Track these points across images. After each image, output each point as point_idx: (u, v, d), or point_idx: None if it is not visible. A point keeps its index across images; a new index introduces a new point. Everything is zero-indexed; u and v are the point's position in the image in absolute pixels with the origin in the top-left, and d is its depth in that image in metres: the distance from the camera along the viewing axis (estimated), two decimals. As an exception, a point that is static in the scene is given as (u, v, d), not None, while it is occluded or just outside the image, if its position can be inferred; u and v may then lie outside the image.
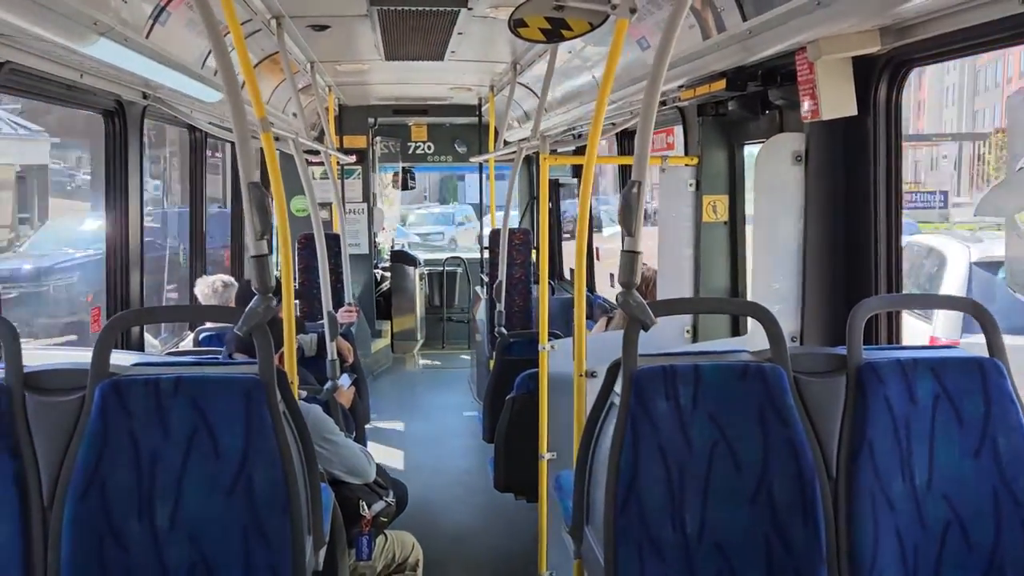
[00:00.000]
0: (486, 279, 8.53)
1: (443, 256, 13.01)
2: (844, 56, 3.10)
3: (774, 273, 3.65)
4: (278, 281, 3.20)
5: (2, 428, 2.38)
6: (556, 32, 3.86)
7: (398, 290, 11.59)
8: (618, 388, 2.65)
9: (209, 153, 6.98)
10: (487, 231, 8.87)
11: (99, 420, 2.40)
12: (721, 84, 3.81)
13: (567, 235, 11.07)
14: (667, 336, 4.30)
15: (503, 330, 6.40)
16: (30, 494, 2.39)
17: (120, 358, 2.60)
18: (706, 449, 2.57)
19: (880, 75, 3.20)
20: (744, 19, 3.31)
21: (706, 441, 2.57)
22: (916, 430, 2.58)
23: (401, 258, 11.85)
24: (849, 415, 2.62)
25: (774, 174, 3.60)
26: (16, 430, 2.40)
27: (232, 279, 5.82)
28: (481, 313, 8.38)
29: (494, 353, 6.37)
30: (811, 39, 3.04)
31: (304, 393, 4.34)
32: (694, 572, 2.55)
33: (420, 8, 4.97)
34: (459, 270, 12.29)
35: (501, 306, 6.60)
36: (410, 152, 11.51)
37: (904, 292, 3.40)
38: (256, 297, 2.50)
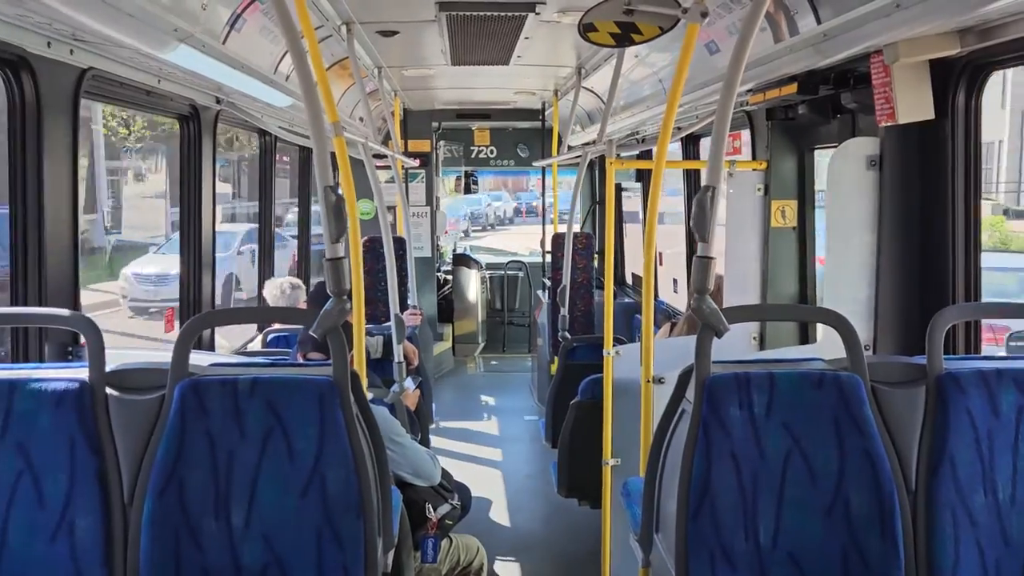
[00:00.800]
0: (548, 283, 8.54)
1: (504, 260, 13.04)
2: (922, 59, 3.04)
3: (847, 280, 3.59)
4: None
5: (85, 425, 2.44)
6: (626, 36, 3.85)
7: (460, 293, 11.66)
8: (690, 395, 2.63)
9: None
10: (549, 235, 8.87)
11: (178, 419, 2.44)
12: (792, 88, 3.76)
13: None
14: (734, 343, 4.25)
15: (567, 334, 6.40)
16: (111, 490, 2.45)
17: (197, 358, 2.66)
18: (780, 458, 2.54)
19: (959, 78, 3.13)
20: (819, 22, 3.26)
21: (780, 450, 2.54)
22: (999, 443, 2.51)
23: (463, 261, 11.91)
24: (929, 427, 2.56)
25: (848, 179, 3.54)
26: (98, 427, 2.46)
27: (299, 281, 5.91)
28: (543, 317, 8.38)
29: (557, 357, 6.37)
30: (888, 42, 2.98)
31: (371, 395, 4.38)
32: None
33: (488, 14, 4.99)
34: (520, 274, 12.32)
35: (565, 310, 6.60)
36: (473, 156, 11.58)
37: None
38: (331, 299, 2.53)
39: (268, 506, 2.45)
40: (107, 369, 2.51)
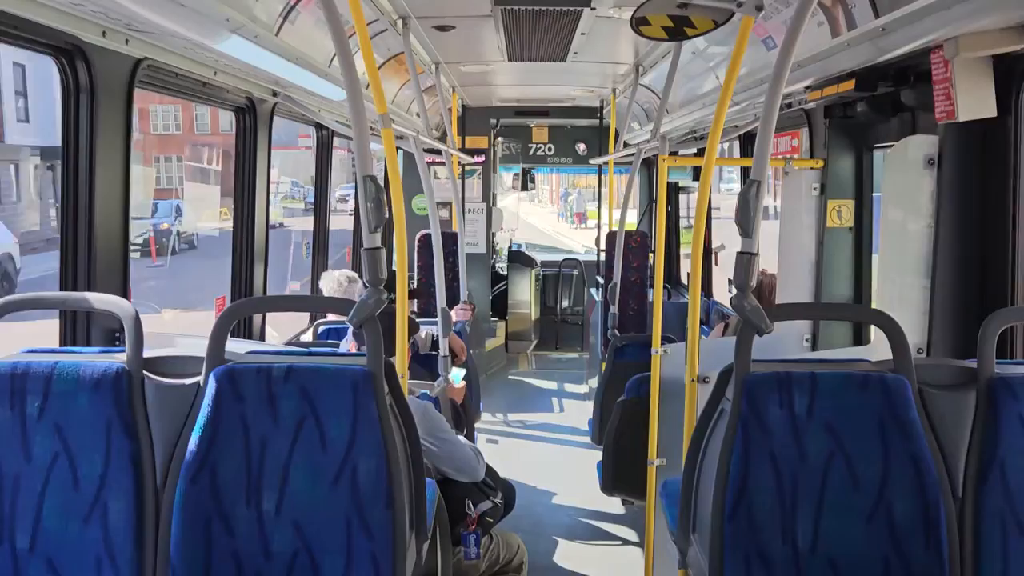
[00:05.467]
0: (601, 281, 8.49)
1: (559, 257, 13.01)
2: (984, 55, 2.94)
3: (901, 281, 3.49)
4: (392, 275, 3.25)
5: (121, 410, 2.47)
6: (679, 30, 3.79)
7: (514, 290, 11.66)
8: (730, 394, 2.58)
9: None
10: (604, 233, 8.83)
11: (213, 405, 2.47)
12: (850, 84, 3.66)
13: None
14: (785, 344, 4.17)
15: (616, 332, 6.34)
16: (144, 474, 2.48)
17: (236, 347, 2.68)
18: (821, 460, 2.47)
19: (1023, 75, 3.02)
20: (877, 15, 3.17)
21: (821, 452, 2.47)
22: None
23: (518, 259, 11.91)
24: (978, 432, 2.47)
25: (904, 178, 3.45)
26: (134, 412, 2.49)
27: (356, 274, 5.95)
28: (595, 315, 8.34)
29: (606, 356, 6.33)
30: (949, 36, 2.88)
31: (417, 389, 4.39)
32: None
33: (543, 8, 4.97)
34: (575, 272, 12.27)
35: (614, 308, 6.54)
36: (531, 153, 11.56)
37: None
38: (368, 289, 2.54)
39: (299, 493, 2.46)
40: (145, 355, 2.55)
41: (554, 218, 40.09)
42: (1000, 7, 2.55)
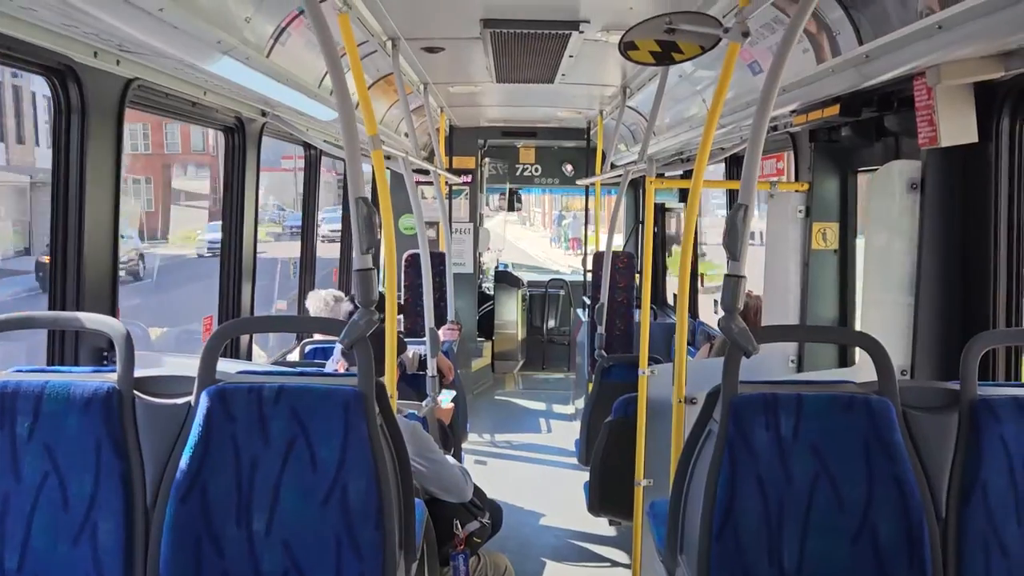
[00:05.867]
0: (588, 301, 8.51)
1: (546, 277, 13.03)
2: (965, 82, 2.99)
3: (885, 304, 3.53)
4: (382, 296, 3.26)
5: (112, 429, 2.48)
6: (666, 55, 3.84)
7: (500, 310, 11.66)
8: (717, 415, 2.60)
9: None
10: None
11: (203, 424, 2.47)
12: (835, 109, 3.72)
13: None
14: (771, 365, 4.20)
15: (603, 353, 6.36)
16: (135, 494, 2.48)
17: (227, 366, 2.68)
18: (807, 482, 2.50)
19: (1003, 102, 3.07)
20: (860, 42, 3.23)
21: (807, 473, 2.50)
22: None
23: (505, 278, 11.92)
24: (961, 453, 2.50)
25: (888, 202, 3.49)
26: (125, 432, 2.49)
27: (342, 294, 5.95)
28: (582, 336, 8.35)
29: (593, 376, 6.34)
30: (931, 64, 2.94)
31: (405, 409, 4.39)
32: None
33: (533, 31, 5.02)
34: (561, 292, 12.29)
35: (601, 329, 6.56)
36: (518, 174, 11.60)
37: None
38: (359, 310, 2.55)
39: (289, 513, 2.47)
40: (136, 375, 2.55)
41: (546, 243, 38.48)
42: (980, 37, 2.60)
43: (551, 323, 12.28)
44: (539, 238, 39.73)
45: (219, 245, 5.03)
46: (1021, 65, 2.81)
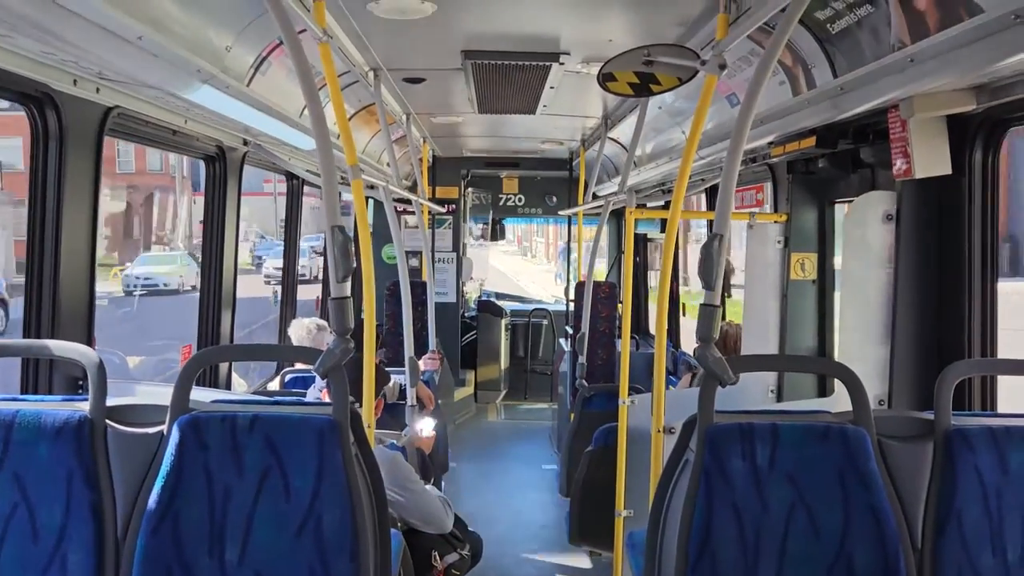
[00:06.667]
0: (570, 331, 8.52)
1: (529, 307, 13.03)
2: (938, 114, 3.04)
3: (862, 334, 3.55)
4: (360, 324, 3.25)
5: (83, 458, 2.45)
6: (645, 87, 3.88)
7: (483, 339, 11.64)
8: (693, 444, 2.60)
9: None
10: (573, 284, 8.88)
11: (176, 454, 2.44)
12: (811, 141, 3.76)
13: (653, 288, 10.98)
14: (751, 395, 4.21)
15: (584, 382, 6.36)
16: (105, 525, 2.45)
17: (201, 395, 2.66)
18: (783, 511, 2.49)
19: (976, 134, 3.12)
20: (835, 75, 3.27)
21: (783, 503, 2.49)
22: (1008, 501, 2.45)
23: (487, 308, 11.92)
24: (936, 483, 2.51)
25: (864, 232, 3.53)
26: (96, 461, 2.46)
27: (325, 323, 5.93)
28: (564, 365, 8.35)
29: (574, 406, 6.33)
30: (904, 96, 2.98)
31: (385, 439, 4.37)
32: None
33: (513, 63, 5.05)
34: (544, 322, 12.29)
35: (583, 358, 6.56)
36: (501, 204, 11.64)
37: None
38: (334, 339, 2.54)
39: (262, 544, 2.44)
40: (109, 403, 2.53)
41: (550, 278, 30.64)
42: (949, 69, 2.64)
43: (534, 353, 12.27)
44: (541, 272, 35.67)
45: (153, 282, 4.99)
46: (991, 98, 2.86)
